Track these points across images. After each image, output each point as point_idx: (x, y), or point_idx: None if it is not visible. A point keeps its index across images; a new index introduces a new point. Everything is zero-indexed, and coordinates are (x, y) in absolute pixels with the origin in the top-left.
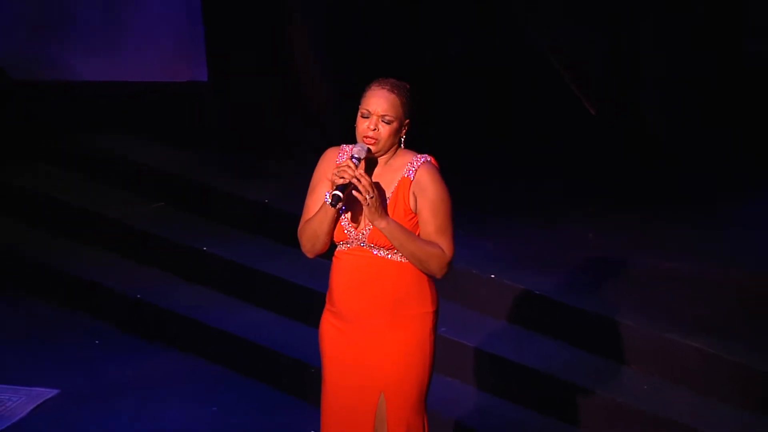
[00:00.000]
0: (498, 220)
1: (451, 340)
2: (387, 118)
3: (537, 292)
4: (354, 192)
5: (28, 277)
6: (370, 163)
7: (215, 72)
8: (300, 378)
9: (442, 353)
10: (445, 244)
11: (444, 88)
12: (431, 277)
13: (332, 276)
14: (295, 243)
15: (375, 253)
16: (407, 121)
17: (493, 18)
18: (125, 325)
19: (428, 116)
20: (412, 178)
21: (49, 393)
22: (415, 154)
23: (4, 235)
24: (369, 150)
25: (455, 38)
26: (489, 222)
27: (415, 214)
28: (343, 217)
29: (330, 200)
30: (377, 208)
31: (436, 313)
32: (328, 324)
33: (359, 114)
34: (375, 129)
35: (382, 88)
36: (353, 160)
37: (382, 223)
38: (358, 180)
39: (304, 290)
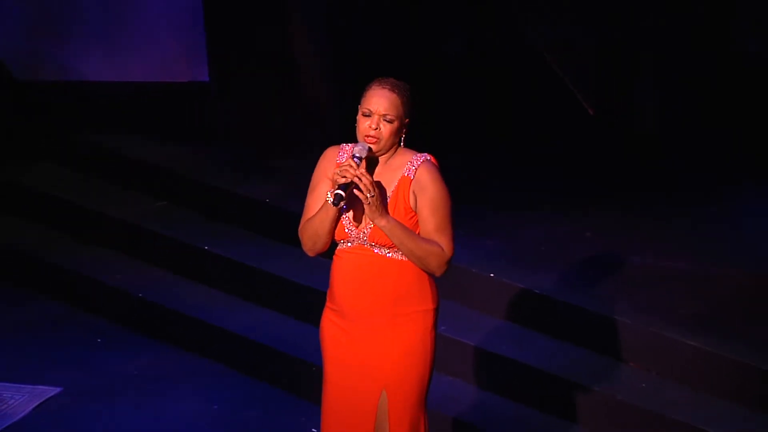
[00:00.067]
0: (498, 219)
1: (451, 338)
2: (388, 117)
3: (536, 291)
4: (355, 191)
5: (31, 276)
6: (371, 162)
7: (216, 72)
8: (301, 376)
9: (442, 352)
10: (444, 243)
11: (444, 88)
12: (431, 275)
13: (333, 274)
14: (295, 242)
15: (376, 251)
16: (407, 120)
17: (493, 18)
18: (127, 323)
19: (428, 116)
20: (412, 177)
21: (52, 391)
22: (415, 153)
23: (7, 233)
24: (370, 149)
25: (455, 38)
26: (489, 221)
27: (416, 212)
28: (344, 216)
29: (332, 199)
30: (378, 207)
31: (437, 311)
32: (329, 322)
33: (360, 113)
34: (376, 128)
35: (383, 87)
36: (355, 159)
37: (382, 222)
38: (360, 179)
39: (304, 289)
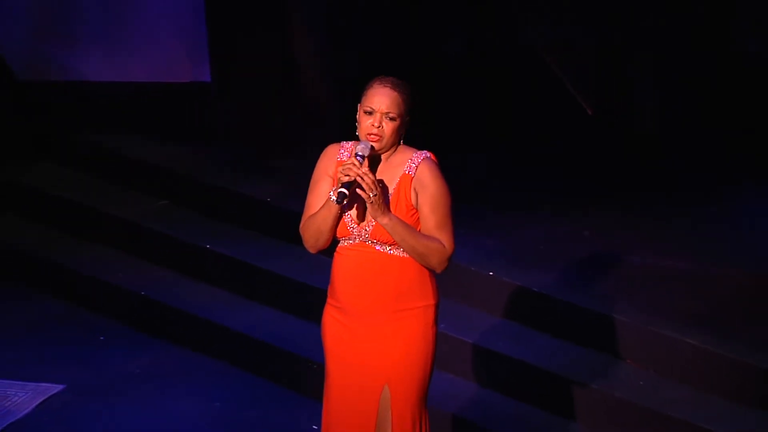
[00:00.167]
0: (498, 219)
1: (451, 336)
2: (390, 115)
3: (535, 290)
4: (358, 190)
5: (34, 274)
6: (373, 160)
7: (218, 72)
8: (301, 374)
9: (442, 350)
10: (445, 239)
11: (444, 88)
12: (432, 272)
13: (334, 271)
14: (296, 241)
15: (378, 248)
16: (407, 118)
17: (493, 18)
18: (129, 322)
19: (428, 116)
20: (413, 175)
21: (55, 388)
22: (415, 150)
23: (10, 232)
24: (372, 147)
25: (455, 38)
26: (489, 221)
27: (417, 209)
28: (346, 213)
29: (335, 198)
30: (381, 205)
31: (437, 306)
32: (330, 318)
33: (361, 111)
34: (379, 126)
35: (385, 86)
36: (357, 157)
37: (384, 219)
38: (362, 178)
39: (305, 287)
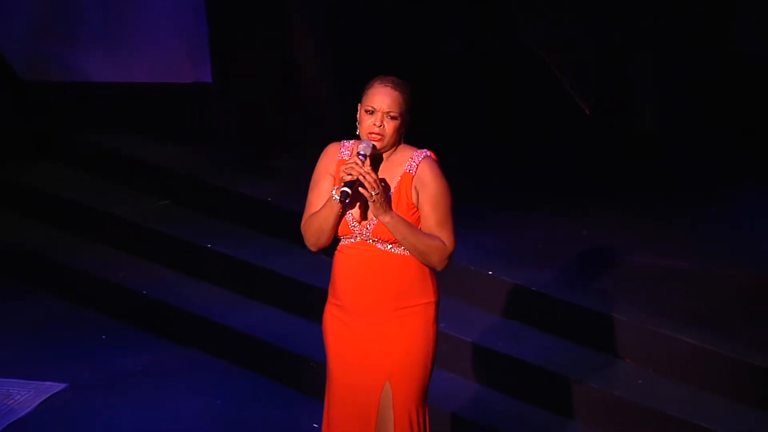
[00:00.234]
0: (498, 219)
1: (451, 335)
2: (392, 114)
3: (535, 289)
4: (360, 188)
5: (35, 274)
6: (374, 159)
7: (219, 73)
8: (302, 373)
9: (442, 349)
10: (446, 237)
11: (444, 88)
12: (432, 269)
13: (336, 270)
14: (296, 240)
15: (379, 247)
16: (408, 117)
17: (493, 18)
18: (131, 321)
19: (428, 116)
20: (414, 173)
21: (58, 387)
22: (415, 149)
23: (12, 232)
24: (374, 146)
25: (455, 38)
26: (488, 221)
27: (417, 208)
28: (347, 212)
29: (338, 197)
30: (382, 204)
31: (438, 304)
32: (331, 317)
33: (362, 111)
34: (380, 125)
35: (386, 85)
36: (359, 156)
37: (386, 218)
38: (365, 177)
39: (306, 287)
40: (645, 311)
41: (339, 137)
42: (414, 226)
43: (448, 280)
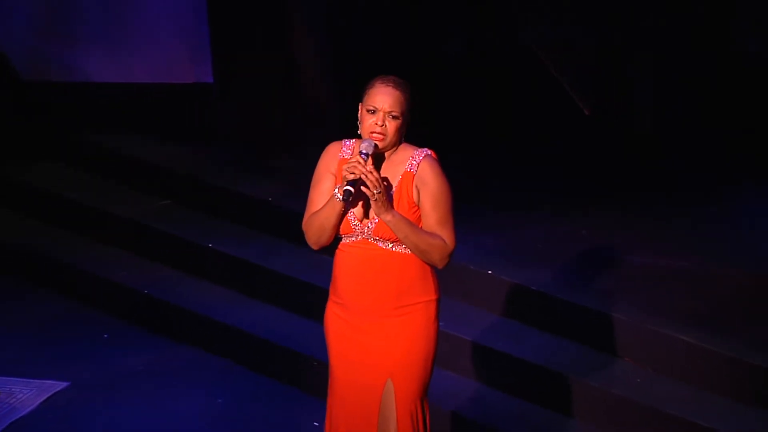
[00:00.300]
0: (498, 219)
1: (451, 334)
2: (393, 113)
3: (535, 288)
4: (362, 187)
5: (37, 273)
6: (375, 158)
7: (220, 73)
8: (303, 371)
9: (442, 348)
10: (446, 235)
11: (444, 88)
12: (433, 267)
13: (337, 268)
14: (297, 240)
15: (380, 245)
16: (408, 117)
17: (493, 18)
18: (133, 320)
19: (428, 116)
20: (415, 172)
21: (60, 386)
22: (416, 148)
23: (13, 232)
24: (376, 146)
25: (455, 38)
26: (488, 221)
27: (418, 206)
28: (349, 211)
29: (341, 195)
30: (384, 203)
31: (439, 301)
32: (333, 315)
33: (363, 110)
34: (382, 125)
35: (387, 85)
36: (362, 155)
37: (388, 217)
38: (367, 175)
39: (307, 286)
40: (645, 311)
41: (339, 137)
42: (415, 224)
43: (448, 280)
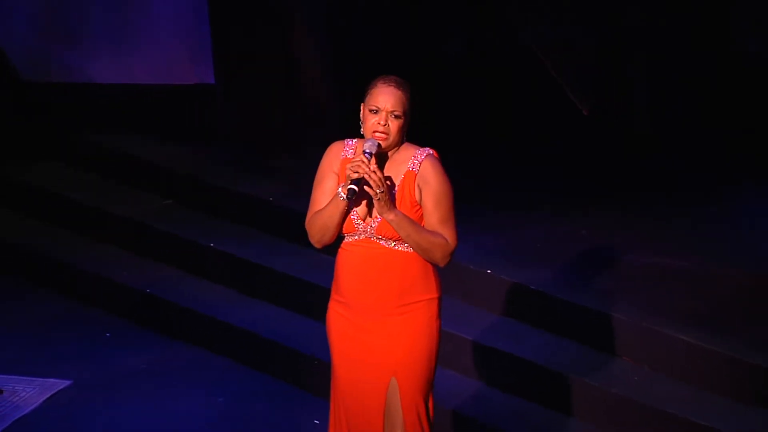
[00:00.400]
0: (498, 218)
1: (451, 334)
2: (396, 113)
3: (535, 288)
4: (365, 187)
5: (38, 273)
6: (378, 158)
7: (221, 74)
8: (304, 370)
9: (442, 347)
10: (448, 234)
11: (444, 88)
12: (434, 266)
13: (339, 267)
14: (297, 239)
15: (382, 244)
16: (410, 116)
17: (493, 18)
18: (135, 319)
19: (428, 116)
20: (417, 171)
21: (62, 384)
22: (418, 147)
23: (13, 232)
24: (379, 145)
25: (455, 38)
26: (488, 221)
27: (420, 205)
28: (352, 210)
29: (345, 195)
30: (387, 202)
31: (440, 299)
32: (335, 314)
33: (366, 110)
34: (385, 124)
35: (389, 85)
36: (365, 155)
37: (391, 216)
38: (370, 175)
39: (308, 285)
40: (645, 311)
41: (339, 137)
42: (417, 223)
43: (449, 280)
